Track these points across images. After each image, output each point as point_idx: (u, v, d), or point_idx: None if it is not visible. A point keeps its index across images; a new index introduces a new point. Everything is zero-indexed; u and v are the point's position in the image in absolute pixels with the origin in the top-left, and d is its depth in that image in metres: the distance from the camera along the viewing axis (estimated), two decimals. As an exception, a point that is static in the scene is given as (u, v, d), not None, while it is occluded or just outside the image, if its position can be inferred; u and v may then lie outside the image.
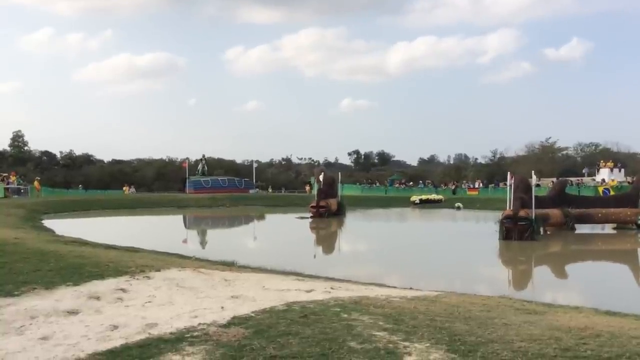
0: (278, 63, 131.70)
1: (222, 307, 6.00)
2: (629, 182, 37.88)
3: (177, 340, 4.66)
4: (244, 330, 4.98)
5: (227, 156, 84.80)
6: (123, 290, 6.84)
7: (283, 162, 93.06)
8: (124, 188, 52.17)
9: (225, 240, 20.51)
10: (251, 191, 50.83)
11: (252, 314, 5.64)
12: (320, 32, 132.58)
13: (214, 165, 68.64)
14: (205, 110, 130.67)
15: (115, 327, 5.10)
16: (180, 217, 31.55)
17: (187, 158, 55.64)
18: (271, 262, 11.05)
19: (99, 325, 5.15)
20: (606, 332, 5.24)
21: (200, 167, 49.63)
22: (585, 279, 11.98)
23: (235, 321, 5.33)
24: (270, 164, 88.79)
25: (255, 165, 59.33)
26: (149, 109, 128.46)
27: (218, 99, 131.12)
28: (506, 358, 4.29)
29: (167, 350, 4.36)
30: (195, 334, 4.85)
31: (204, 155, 52.32)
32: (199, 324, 5.21)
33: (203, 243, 18.88)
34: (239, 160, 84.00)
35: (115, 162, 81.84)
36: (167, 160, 79.13)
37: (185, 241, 18.73)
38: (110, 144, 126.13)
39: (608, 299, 8.27)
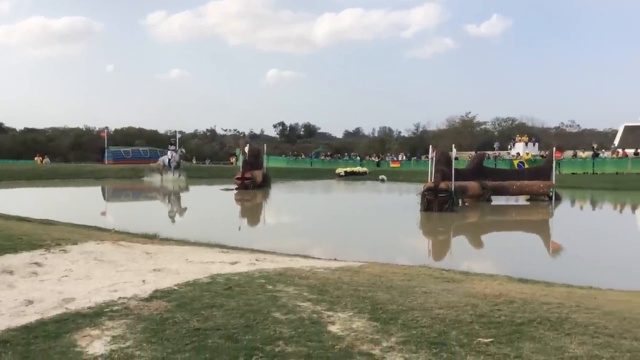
0: (202, 30, 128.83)
1: (144, 281, 5.88)
2: (542, 156, 39.78)
3: (95, 315, 4.52)
4: (166, 303, 4.90)
5: (149, 126, 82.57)
6: (38, 264, 6.57)
7: (207, 133, 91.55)
8: (36, 158, 49.80)
9: (146, 213, 20.03)
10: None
11: (175, 287, 5.55)
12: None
13: (135, 135, 66.63)
14: (125, 78, 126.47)
15: (30, 302, 4.90)
16: (99, 188, 30.50)
17: (106, 127, 53.79)
18: (195, 235, 10.88)
19: (13, 300, 4.93)
20: (519, 298, 5.50)
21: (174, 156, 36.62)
22: (500, 248, 12.52)
23: (157, 294, 5.23)
24: (195, 135, 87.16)
25: (178, 135, 57.94)
26: (64, 75, 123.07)
27: (139, 66, 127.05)
28: (425, 325, 4.43)
29: (85, 325, 4.23)
30: (115, 308, 4.73)
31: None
32: (119, 298, 5.08)
33: (123, 215, 18.35)
34: (161, 131, 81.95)
35: (28, 131, 77.92)
36: (84, 129, 76.10)
37: (104, 213, 18.15)
38: (23, 112, 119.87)
39: (521, 267, 8.69)
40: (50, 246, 7.77)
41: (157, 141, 66.74)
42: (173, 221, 16.66)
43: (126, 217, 16.87)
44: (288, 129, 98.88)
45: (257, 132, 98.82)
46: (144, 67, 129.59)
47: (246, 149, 29.70)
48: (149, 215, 18.35)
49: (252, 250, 9.48)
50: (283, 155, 57.78)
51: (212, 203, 24.08)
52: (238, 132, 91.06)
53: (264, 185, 28.94)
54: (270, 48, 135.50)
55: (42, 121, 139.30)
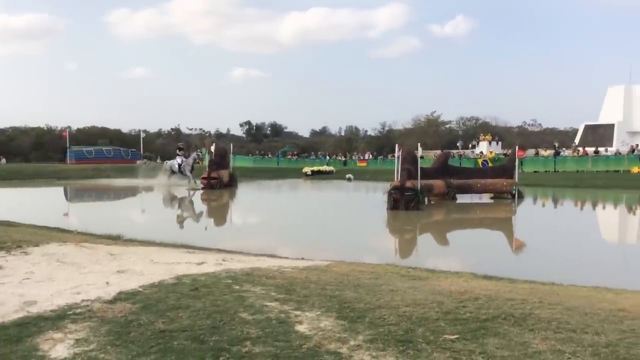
0: (166, 28, 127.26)
1: (107, 283, 5.78)
2: (505, 155, 40.43)
3: (58, 317, 4.43)
4: (130, 305, 4.83)
5: (112, 125, 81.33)
6: (-3, 267, 6.40)
7: (172, 133, 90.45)
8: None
9: (110, 213, 19.71)
10: (138, 162, 49.12)
11: (140, 289, 5.48)
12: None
13: (98, 134, 65.56)
14: (88, 76, 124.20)
15: (-11, 306, 4.77)
16: (61, 189, 29.88)
17: (69, 126, 52.77)
18: (160, 235, 10.76)
19: (-29, 305, 4.80)
20: (483, 295, 5.58)
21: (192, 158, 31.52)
22: (465, 246, 12.68)
23: (122, 296, 5.15)
24: (159, 134, 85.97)
25: (142, 135, 57.31)
26: (25, 73, 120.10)
27: (102, 64, 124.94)
28: (392, 322, 4.46)
29: (47, 329, 4.15)
30: (78, 310, 4.64)
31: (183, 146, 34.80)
32: (82, 300, 4.99)
33: (86, 216, 18.03)
34: (125, 130, 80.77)
35: (-13, 131, 75.84)
36: (45, 128, 74.42)
37: (66, 214, 17.80)
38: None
39: (485, 264, 8.82)
40: (10, 248, 7.59)
41: (120, 140, 65.92)
42: (182, 227, 15.79)
43: (89, 218, 16.58)
44: (255, 128, 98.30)
45: (224, 131, 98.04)
46: (107, 65, 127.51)
47: (212, 148, 29.48)
48: (113, 216, 18.06)
49: (219, 251, 9.42)
50: (250, 155, 57.55)
51: (178, 203, 23.83)
52: (204, 131, 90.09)
53: (231, 184, 28.76)
54: (236, 47, 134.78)
55: (1, 120, 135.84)
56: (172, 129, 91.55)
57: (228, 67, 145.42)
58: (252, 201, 25.16)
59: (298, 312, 4.73)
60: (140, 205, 24.12)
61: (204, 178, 27.74)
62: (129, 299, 5.05)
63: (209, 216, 19.36)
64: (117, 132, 77.25)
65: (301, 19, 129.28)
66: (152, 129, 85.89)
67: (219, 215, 19.99)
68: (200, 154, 34.59)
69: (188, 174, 30.14)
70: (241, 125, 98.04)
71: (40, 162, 52.33)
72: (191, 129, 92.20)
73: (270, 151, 62.64)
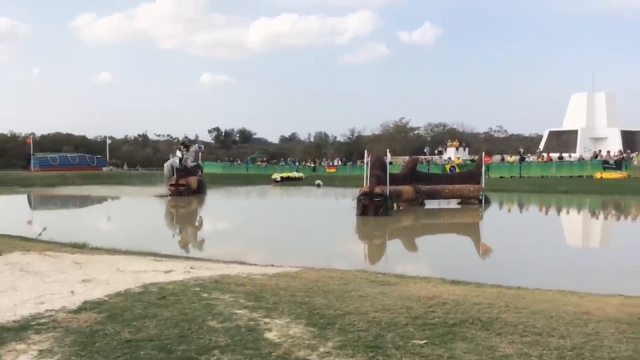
0: (133, 33, 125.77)
1: (72, 292, 5.67)
2: (472, 160, 40.99)
3: (21, 328, 4.33)
4: (96, 315, 4.74)
5: (77, 131, 80.00)
6: (-43, 277, 6.22)
7: (139, 139, 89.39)
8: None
9: (75, 221, 19.36)
10: (104, 169, 48.43)
11: (106, 298, 5.39)
12: (179, 2, 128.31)
13: (63, 141, 64.40)
14: (53, 82, 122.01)
15: (-52, 318, 4.63)
16: (24, 196, 29.23)
17: (32, 133, 51.72)
18: (127, 243, 10.60)
19: None
20: (451, 300, 5.63)
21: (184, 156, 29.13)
22: (434, 251, 12.79)
23: (87, 306, 5.06)
24: (126, 141, 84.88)
25: (108, 141, 56.55)
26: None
27: (67, 69, 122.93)
28: (362, 328, 4.47)
29: (10, 340, 4.05)
30: (42, 321, 4.54)
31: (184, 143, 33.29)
32: (46, 310, 4.88)
33: (50, 224, 17.66)
34: (90, 136, 79.56)
35: (-53, 138, 73.76)
36: (9, 135, 72.78)
37: (30, 222, 17.42)
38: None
39: (453, 269, 8.90)
40: (-30, 258, 7.39)
41: (86, 147, 64.85)
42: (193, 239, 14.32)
43: (54, 226, 16.24)
44: (223, 134, 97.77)
45: (192, 137, 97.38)
46: (72, 70, 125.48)
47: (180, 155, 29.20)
48: (78, 224, 17.74)
49: (187, 258, 9.33)
50: (218, 161, 57.22)
51: (145, 210, 23.54)
52: (172, 137, 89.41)
53: (199, 191, 28.52)
54: (204, 52, 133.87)
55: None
56: (139, 135, 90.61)
57: (196, 73, 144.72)
58: (221, 207, 25.00)
59: (267, 320, 4.70)
60: (107, 212, 23.75)
61: (171, 185, 27.47)
62: (94, 309, 4.96)
63: (177, 223, 19.15)
64: (83, 139, 76.08)
65: (270, 25, 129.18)
66: (119, 135, 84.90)
67: (188, 222, 19.80)
68: (202, 146, 32.61)
69: (189, 165, 28.58)
70: (210, 131, 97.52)
71: (3, 169, 51.11)
72: (159, 135, 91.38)
73: (240, 157, 62.39)
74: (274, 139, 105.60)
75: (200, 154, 30.12)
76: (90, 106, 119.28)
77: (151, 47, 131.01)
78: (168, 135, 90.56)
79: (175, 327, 4.41)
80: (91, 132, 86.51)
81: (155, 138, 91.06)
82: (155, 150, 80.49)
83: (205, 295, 5.61)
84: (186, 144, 31.23)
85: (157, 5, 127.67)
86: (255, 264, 8.91)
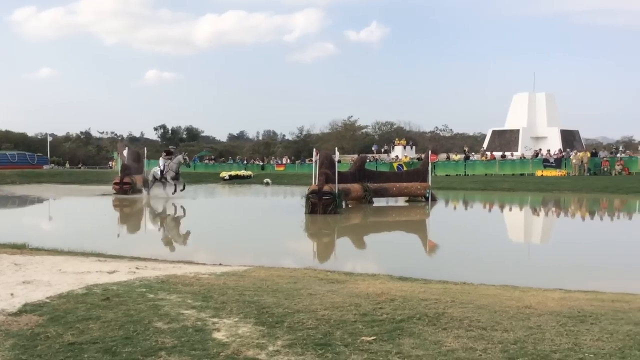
0: (75, 28, 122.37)
1: (12, 294, 5.47)
2: (418, 159, 41.66)
3: (-45, 334, 4.13)
4: (37, 317, 4.59)
5: (16, 128, 77.22)
6: None
7: (82, 136, 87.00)
8: None
9: (15, 221, 18.68)
10: (45, 167, 46.92)
11: (47, 300, 5.22)
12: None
13: (1, 139, 62.15)
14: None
15: None
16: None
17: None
18: (69, 243, 10.29)
19: None
20: (399, 296, 5.70)
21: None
22: (382, 248, 12.93)
23: (28, 308, 4.89)
24: (67, 138, 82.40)
25: (49, 139, 54.78)
26: None
27: (4, 65, 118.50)
28: (311, 326, 4.47)
29: (-57, 347, 3.86)
30: (-21, 325, 4.35)
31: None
32: (-17, 314, 4.68)
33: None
34: (30, 134, 76.90)
35: None
36: (-58, 132, 69.69)
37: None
38: None
39: (401, 266, 9.00)
40: None
41: (26, 145, 62.74)
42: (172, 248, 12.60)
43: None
44: (170, 132, 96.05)
45: (137, 135, 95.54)
46: (10, 66, 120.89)
47: (125, 153, 28.58)
48: (18, 224, 17.12)
49: (132, 258, 9.12)
50: (165, 159, 56.16)
51: (88, 209, 22.92)
52: (116, 135, 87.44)
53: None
54: (149, 48, 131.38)
55: None
56: (81, 132, 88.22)
57: (141, 69, 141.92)
58: (167, 206, 24.56)
59: (215, 319, 4.65)
60: (48, 212, 23.01)
61: (115, 184, 26.85)
62: (35, 311, 4.80)
63: (122, 223, 18.73)
64: (22, 136, 73.55)
65: (217, 21, 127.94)
66: (60, 132, 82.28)
67: (132, 221, 19.39)
68: (186, 158, 28.85)
69: (169, 180, 25.34)
70: (156, 129, 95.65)
71: None
72: (102, 133, 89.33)
73: (187, 155, 61.46)
74: (222, 137, 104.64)
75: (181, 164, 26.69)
76: (31, 103, 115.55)
77: (94, 43, 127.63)
78: (112, 133, 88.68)
79: (120, 329, 4.31)
80: (31, 130, 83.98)
81: (98, 135, 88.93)
82: (98, 149, 78.56)
83: (151, 296, 5.51)
84: (171, 151, 27.95)
85: (101, 0, 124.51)
86: (203, 264, 8.79)
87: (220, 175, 41.89)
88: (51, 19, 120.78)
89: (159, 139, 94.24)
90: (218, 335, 4.23)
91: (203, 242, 13.20)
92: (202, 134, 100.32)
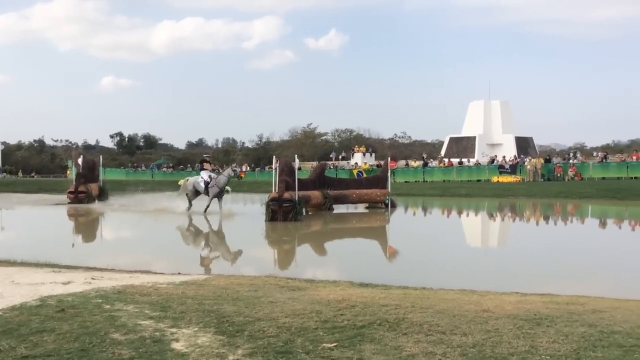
0: (28, 34, 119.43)
1: (-40, 308, 5.26)
2: (378, 166, 42.00)
3: None
4: (-12, 331, 4.42)
5: (-35, 137, 74.75)
6: None
7: (35, 144, 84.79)
8: None
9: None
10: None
11: (0, 312, 5.05)
12: (78, 3, 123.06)
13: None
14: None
15: None
16: None
17: None
18: (22, 254, 9.99)
19: None
20: (360, 302, 5.72)
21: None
22: (343, 255, 12.96)
23: (-23, 322, 4.71)
24: (20, 146, 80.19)
25: (1, 147, 53.27)
26: None
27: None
28: (272, 334, 4.44)
29: None
30: None
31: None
32: None
33: None
34: (-20, 142, 74.42)
35: None
36: None
37: None
38: None
39: (362, 272, 9.04)
40: None
41: (-25, 153, 60.73)
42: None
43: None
44: (126, 139, 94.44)
45: (92, 142, 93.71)
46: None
47: (79, 161, 27.97)
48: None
49: (88, 269, 8.91)
50: (122, 167, 55.30)
51: (42, 219, 22.31)
52: (70, 143, 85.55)
53: (100, 199, 27.39)
54: (105, 54, 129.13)
55: None
56: (35, 140, 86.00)
57: (97, 76, 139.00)
58: (124, 215, 24.10)
59: (174, 330, 4.58)
60: (0, 222, 22.32)
61: (70, 192, 26.22)
62: (-15, 325, 4.64)
63: (77, 232, 18.29)
64: (-28, 144, 71.25)
65: (174, 28, 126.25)
66: (12, 140, 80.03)
67: (88, 231, 18.95)
68: (236, 170, 24.28)
69: (211, 196, 21.46)
70: (112, 136, 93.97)
71: None
72: (56, 141, 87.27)
73: (144, 163, 60.51)
74: (181, 144, 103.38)
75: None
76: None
77: (48, 49, 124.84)
78: (67, 141, 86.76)
79: (76, 341, 4.20)
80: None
81: (52, 143, 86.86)
82: (53, 157, 76.69)
83: (108, 306, 5.39)
84: (207, 160, 23.88)
85: (55, 5, 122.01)
86: (161, 273, 8.65)
87: (179, 183, 41.33)
88: (3, 24, 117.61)
89: (115, 147, 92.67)
90: (177, 346, 4.16)
91: (161, 251, 12.99)
92: (160, 142, 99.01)
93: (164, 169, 54.26)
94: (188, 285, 6.87)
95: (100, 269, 8.87)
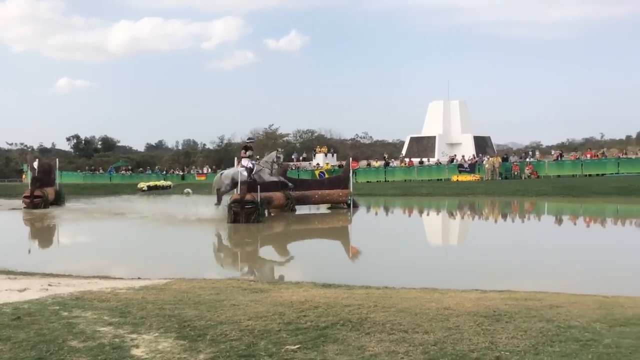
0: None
1: None
2: (340, 166, 42.16)
3: None
4: (-62, 342, 4.27)
5: None
6: None
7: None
8: None
9: None
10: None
11: (-50, 323, 4.88)
12: (33, 3, 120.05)
13: None
14: None
15: None
16: None
17: None
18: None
19: None
20: (323, 303, 5.73)
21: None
22: (305, 256, 12.94)
23: None
24: (-29, 150, 77.83)
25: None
26: None
27: None
28: (234, 338, 4.41)
29: None
30: None
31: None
32: None
33: None
34: None
35: None
36: None
37: None
38: None
39: (324, 273, 9.05)
40: None
41: None
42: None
43: None
44: (83, 142, 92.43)
45: (48, 145, 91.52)
46: None
47: (35, 165, 27.27)
48: None
49: (44, 275, 8.68)
50: (79, 171, 54.17)
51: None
52: (26, 146, 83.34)
53: (57, 203, 26.76)
54: (61, 55, 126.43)
55: None
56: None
57: (52, 77, 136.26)
58: (81, 220, 23.60)
59: (134, 335, 4.50)
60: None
61: (25, 197, 25.53)
62: None
63: (33, 238, 17.83)
64: None
65: (132, 28, 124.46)
66: (-37, 144, 77.56)
67: (44, 236, 18.49)
68: (280, 156, 21.18)
69: (266, 176, 19.86)
70: (68, 139, 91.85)
71: None
72: (11, 144, 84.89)
73: (102, 166, 59.35)
74: (140, 146, 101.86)
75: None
76: None
77: (1, 49, 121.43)
78: (21, 144, 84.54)
79: (32, 350, 4.09)
80: None
81: (6, 147, 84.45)
82: (7, 161, 74.61)
83: (65, 313, 5.26)
84: (250, 146, 21.01)
85: (8, 5, 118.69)
86: (120, 278, 8.50)
87: (138, 186, 40.72)
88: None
89: (72, 150, 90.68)
90: (137, 352, 4.09)
91: (120, 256, 12.76)
92: (118, 144, 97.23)
93: (123, 172, 53.35)
94: (148, 290, 6.76)
95: (58, 275, 8.66)
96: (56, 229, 20.54)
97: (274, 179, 20.03)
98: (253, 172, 19.36)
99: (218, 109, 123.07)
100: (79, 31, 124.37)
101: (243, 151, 20.36)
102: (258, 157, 20.91)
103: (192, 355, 4.01)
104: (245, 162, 19.62)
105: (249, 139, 24.96)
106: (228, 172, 20.83)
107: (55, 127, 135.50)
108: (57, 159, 31.82)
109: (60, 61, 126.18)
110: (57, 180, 28.89)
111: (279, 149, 22.53)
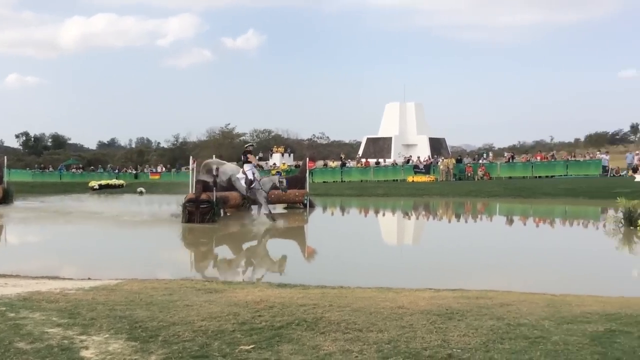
0: None
1: None
2: (296, 166, 42.17)
3: None
4: None
5: None
6: None
7: None
8: None
9: None
10: None
11: None
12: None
13: None
14: None
15: None
16: None
17: None
18: None
19: None
20: (278, 303, 5.71)
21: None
22: (261, 256, 12.89)
23: None
24: None
25: None
26: None
27: None
28: (187, 339, 4.35)
29: None
30: None
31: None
32: None
33: None
34: None
35: None
36: None
37: None
38: None
39: (280, 273, 9.04)
40: None
41: None
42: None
43: None
44: (33, 139, 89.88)
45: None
46: None
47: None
48: None
49: (-10, 275, 8.40)
50: (28, 169, 52.65)
51: None
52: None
53: (5, 201, 25.96)
54: (10, 51, 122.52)
55: None
56: None
57: (1, 73, 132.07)
58: (29, 219, 22.93)
59: (84, 337, 4.39)
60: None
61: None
62: None
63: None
64: None
65: (84, 24, 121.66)
66: None
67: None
68: (282, 181, 19.30)
69: (262, 198, 18.56)
70: (17, 136, 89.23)
71: None
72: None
73: (52, 164, 57.79)
74: (91, 144, 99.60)
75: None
76: None
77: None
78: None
79: (-25, 353, 3.94)
80: None
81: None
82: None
83: (12, 314, 5.10)
84: (250, 150, 19.74)
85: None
86: (70, 278, 8.29)
87: (89, 184, 39.82)
88: None
89: (21, 147, 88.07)
90: (86, 354, 4.00)
91: (70, 256, 12.44)
92: (69, 142, 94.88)
93: (73, 170, 52.11)
94: (99, 291, 6.62)
95: (5, 276, 8.39)
96: (3, 228, 19.88)
97: (265, 192, 18.71)
98: (253, 182, 18.29)
99: (173, 108, 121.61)
100: (30, 26, 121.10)
101: (250, 155, 19.14)
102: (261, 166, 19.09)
103: (143, 357, 3.94)
104: (248, 168, 18.53)
105: (248, 144, 24.35)
106: (226, 169, 19.37)
107: (3, 124, 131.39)
108: (5, 157, 30.90)
109: (10, 57, 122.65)
110: (5, 178, 28.05)
111: (281, 175, 20.55)
